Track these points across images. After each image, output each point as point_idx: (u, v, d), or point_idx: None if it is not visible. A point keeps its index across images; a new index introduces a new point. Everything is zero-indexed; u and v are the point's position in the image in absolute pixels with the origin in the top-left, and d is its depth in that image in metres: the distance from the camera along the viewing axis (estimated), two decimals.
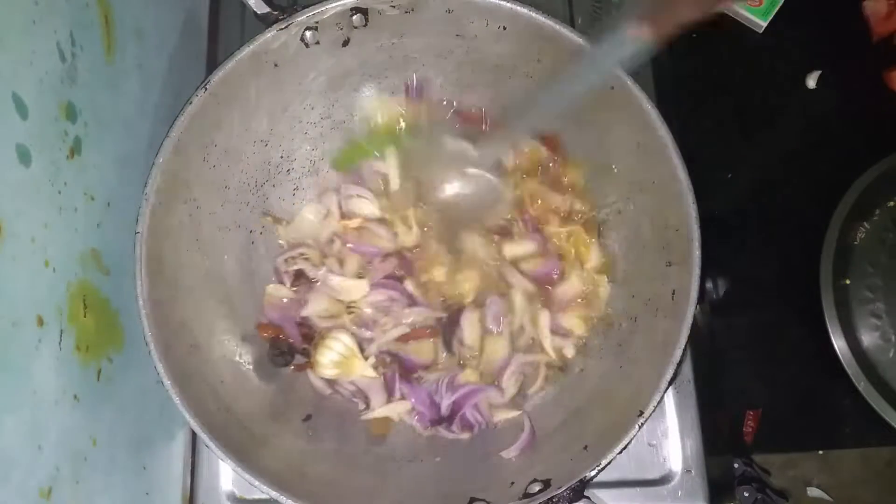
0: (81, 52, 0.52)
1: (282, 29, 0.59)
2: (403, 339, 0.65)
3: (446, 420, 0.64)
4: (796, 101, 0.88)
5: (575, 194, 0.68)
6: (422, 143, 0.67)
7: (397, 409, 0.65)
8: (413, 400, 0.64)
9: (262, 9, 0.59)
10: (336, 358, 0.64)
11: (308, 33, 0.61)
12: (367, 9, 0.61)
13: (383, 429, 0.65)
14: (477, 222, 0.67)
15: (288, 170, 0.69)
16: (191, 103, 0.58)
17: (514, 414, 0.64)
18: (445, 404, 0.63)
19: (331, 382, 0.66)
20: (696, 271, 0.56)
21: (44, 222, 0.46)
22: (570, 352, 0.65)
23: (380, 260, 0.66)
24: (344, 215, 0.68)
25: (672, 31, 0.47)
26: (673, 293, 0.58)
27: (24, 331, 0.43)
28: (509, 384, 0.65)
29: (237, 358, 0.63)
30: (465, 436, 0.64)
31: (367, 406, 0.65)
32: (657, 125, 0.58)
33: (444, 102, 0.69)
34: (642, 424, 0.54)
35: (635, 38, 0.48)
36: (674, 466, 0.65)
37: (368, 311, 0.65)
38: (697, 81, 0.85)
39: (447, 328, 0.65)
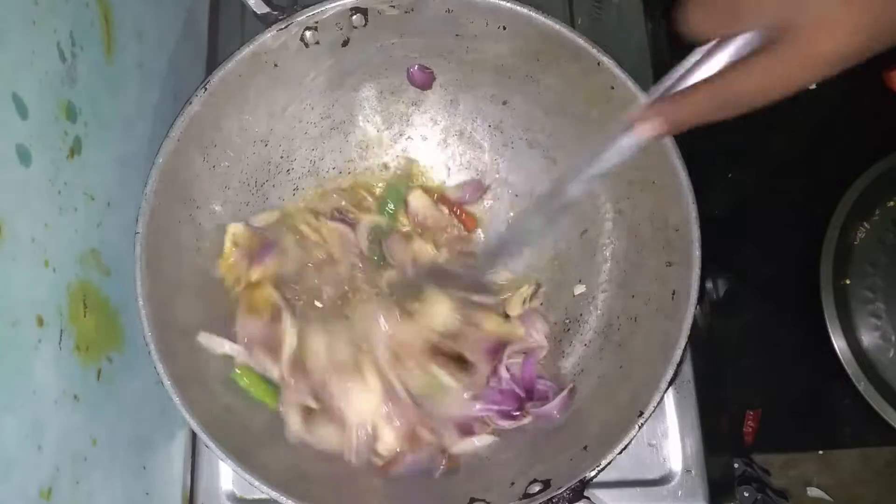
0: (81, 52, 0.52)
1: (282, 29, 0.59)
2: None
3: (528, 397, 0.63)
4: (796, 101, 0.88)
5: None
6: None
7: (479, 444, 0.62)
8: (489, 406, 0.62)
9: (262, 9, 0.59)
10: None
11: (308, 33, 0.61)
12: (367, 9, 0.61)
13: (457, 461, 0.62)
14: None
15: (288, 170, 0.69)
16: (191, 103, 0.58)
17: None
18: (513, 383, 0.63)
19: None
20: (696, 271, 0.56)
21: (44, 222, 0.46)
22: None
23: None
24: None
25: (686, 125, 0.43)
26: (673, 293, 0.58)
27: (24, 331, 0.43)
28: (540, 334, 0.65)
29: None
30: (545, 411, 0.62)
31: (445, 452, 0.62)
32: None
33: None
34: (642, 424, 0.54)
35: (641, 133, 0.44)
36: (674, 466, 0.65)
37: None
38: None
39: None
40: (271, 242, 0.64)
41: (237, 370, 0.60)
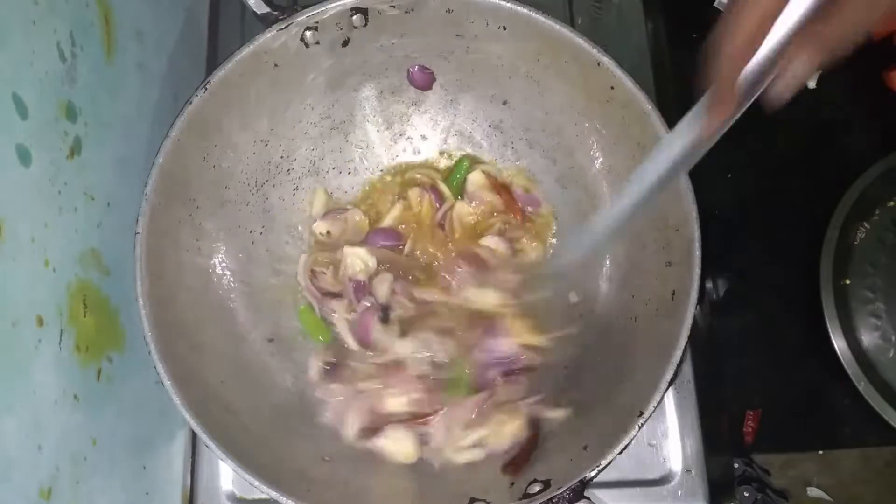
0: (81, 52, 0.52)
1: (282, 29, 0.59)
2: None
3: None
4: (796, 101, 0.88)
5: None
6: None
7: None
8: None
9: (262, 9, 0.59)
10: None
11: (308, 33, 0.61)
12: (367, 9, 0.61)
13: None
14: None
15: (288, 170, 0.69)
16: (191, 103, 0.58)
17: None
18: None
19: None
20: (696, 271, 0.56)
21: (44, 222, 0.46)
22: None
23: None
24: None
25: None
26: (673, 293, 0.58)
27: (24, 331, 0.43)
28: None
29: (237, 357, 0.63)
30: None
31: None
32: (657, 125, 0.58)
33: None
34: (642, 424, 0.54)
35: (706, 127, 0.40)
36: (674, 466, 0.65)
37: None
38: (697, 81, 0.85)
39: None
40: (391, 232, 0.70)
41: (303, 307, 0.68)
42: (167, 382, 0.54)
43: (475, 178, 0.70)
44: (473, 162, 0.71)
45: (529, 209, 0.70)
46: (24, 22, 0.45)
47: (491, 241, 0.68)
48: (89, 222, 0.53)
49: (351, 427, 0.62)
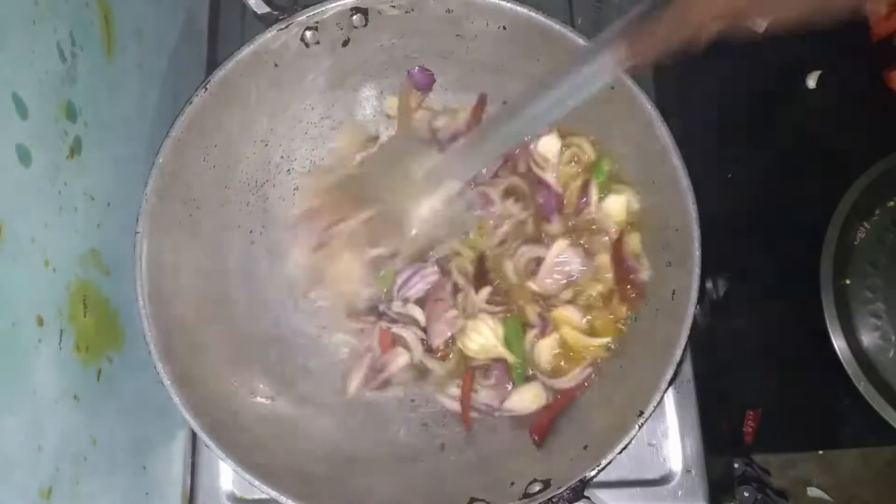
0: (81, 52, 0.52)
1: (282, 29, 0.59)
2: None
3: None
4: (796, 101, 0.88)
5: None
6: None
7: None
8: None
9: (262, 9, 0.59)
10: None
11: (308, 33, 0.61)
12: (367, 9, 0.61)
13: None
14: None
15: (288, 170, 0.69)
16: (191, 103, 0.58)
17: None
18: None
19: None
20: (696, 271, 0.56)
21: (44, 222, 0.46)
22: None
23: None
24: None
25: (656, 55, 0.45)
26: (673, 293, 0.58)
27: (24, 331, 0.43)
28: None
29: (237, 358, 0.63)
30: None
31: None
32: (657, 125, 0.58)
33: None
34: (642, 424, 0.54)
35: (615, 60, 0.46)
36: (674, 466, 0.66)
37: None
38: (697, 81, 0.86)
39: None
40: None
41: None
42: (167, 382, 0.54)
43: (615, 204, 0.63)
44: (612, 174, 0.64)
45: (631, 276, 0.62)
46: (24, 22, 0.45)
47: (571, 313, 0.63)
48: (89, 222, 0.53)
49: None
